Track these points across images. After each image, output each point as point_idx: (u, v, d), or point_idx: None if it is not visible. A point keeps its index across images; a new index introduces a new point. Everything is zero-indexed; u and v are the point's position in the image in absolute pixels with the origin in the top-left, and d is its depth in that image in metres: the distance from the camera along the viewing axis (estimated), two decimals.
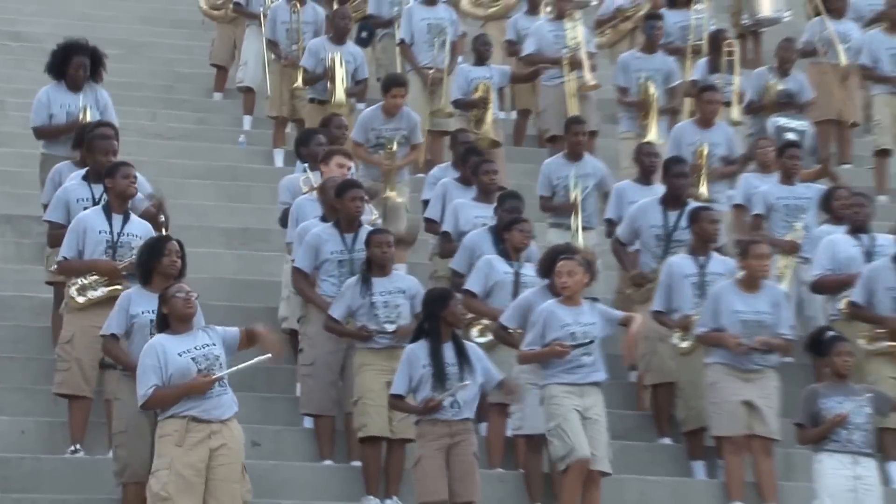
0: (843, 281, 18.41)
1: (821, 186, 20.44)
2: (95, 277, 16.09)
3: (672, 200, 19.15)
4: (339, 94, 23.13)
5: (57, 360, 16.60)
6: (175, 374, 13.64)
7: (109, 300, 15.79)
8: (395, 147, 21.08)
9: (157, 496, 13.64)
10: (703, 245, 17.90)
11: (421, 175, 23.09)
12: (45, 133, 19.94)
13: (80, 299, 15.78)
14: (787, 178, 20.45)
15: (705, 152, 21.84)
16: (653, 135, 22.98)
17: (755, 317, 16.50)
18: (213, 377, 13.60)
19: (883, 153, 24.52)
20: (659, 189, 19.61)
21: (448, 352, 14.48)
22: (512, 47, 26.04)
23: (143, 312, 14.64)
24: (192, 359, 13.69)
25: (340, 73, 23.18)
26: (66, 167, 18.48)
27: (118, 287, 15.86)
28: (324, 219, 17.46)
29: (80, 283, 16.02)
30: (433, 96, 24.33)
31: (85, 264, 15.23)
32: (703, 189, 21.34)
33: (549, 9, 24.98)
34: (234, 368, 13.90)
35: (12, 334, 15.60)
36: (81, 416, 16.41)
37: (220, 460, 13.82)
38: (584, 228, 19.75)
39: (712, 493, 17.24)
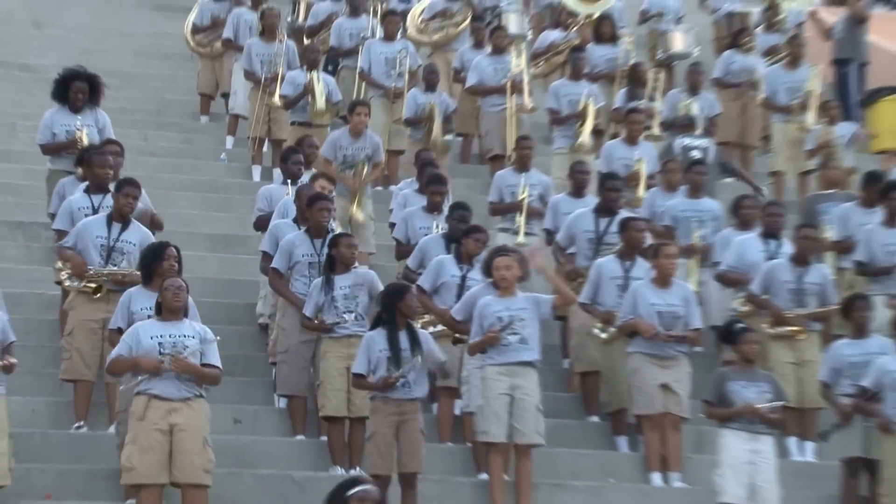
0: (740, 279, 18.73)
1: (716, 202, 20.73)
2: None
3: (604, 210, 19.31)
4: (320, 104, 23.23)
5: (62, 350, 16.76)
6: (142, 353, 13.90)
7: (107, 298, 16.16)
8: (364, 170, 21.27)
9: (124, 466, 14.04)
10: (630, 250, 18.03)
11: (380, 188, 23.36)
12: (49, 149, 19.98)
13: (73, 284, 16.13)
14: (694, 193, 20.75)
15: (643, 165, 22.18)
16: (586, 137, 23.33)
17: (668, 309, 16.79)
18: (159, 361, 13.79)
19: (777, 173, 24.61)
20: (590, 200, 19.79)
21: (403, 338, 14.63)
22: (458, 76, 26.14)
23: (141, 309, 14.79)
24: (159, 343, 13.92)
25: (318, 89, 23.23)
26: (70, 181, 18.67)
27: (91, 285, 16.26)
28: (296, 221, 17.73)
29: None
30: (394, 107, 24.54)
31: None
32: (641, 193, 21.65)
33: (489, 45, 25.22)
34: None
35: (23, 326, 15.56)
36: (85, 397, 16.54)
37: (179, 434, 14.01)
38: (527, 234, 19.96)
39: (633, 465, 17.29)
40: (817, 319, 18.10)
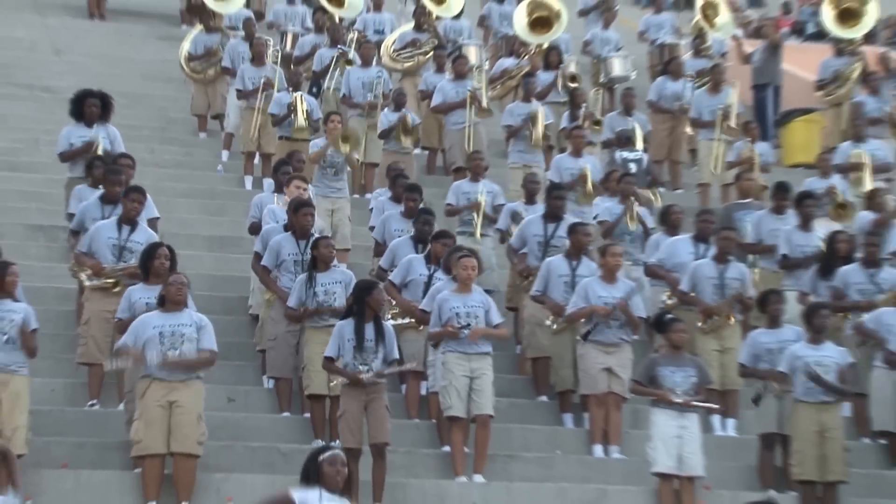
0: (665, 275, 19.17)
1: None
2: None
3: (551, 216, 19.55)
4: (301, 121, 23.14)
5: (79, 337, 17.01)
6: (146, 341, 14.35)
7: (116, 293, 16.44)
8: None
9: (133, 440, 14.58)
10: (577, 252, 18.23)
11: (356, 196, 23.42)
12: (67, 156, 20.13)
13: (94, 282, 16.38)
14: (625, 199, 20.80)
15: (588, 174, 22.22)
16: (538, 135, 23.64)
17: (614, 301, 16.92)
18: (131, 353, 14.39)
19: (703, 184, 24.89)
20: (540, 207, 20.02)
21: (369, 330, 14.89)
22: (424, 96, 26.04)
23: (139, 299, 15.31)
24: (160, 333, 14.37)
25: (301, 108, 23.16)
26: (85, 188, 19.01)
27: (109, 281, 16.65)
28: (286, 227, 17.81)
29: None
30: (370, 119, 24.45)
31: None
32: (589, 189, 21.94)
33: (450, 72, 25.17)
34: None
35: (43, 316, 15.62)
36: (98, 378, 16.74)
37: (177, 411, 14.44)
38: (482, 235, 20.16)
39: (578, 438, 17.52)
40: (740, 302, 18.37)
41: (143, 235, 17.04)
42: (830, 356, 16.38)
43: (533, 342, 18.69)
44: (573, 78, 26.78)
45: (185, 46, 26.29)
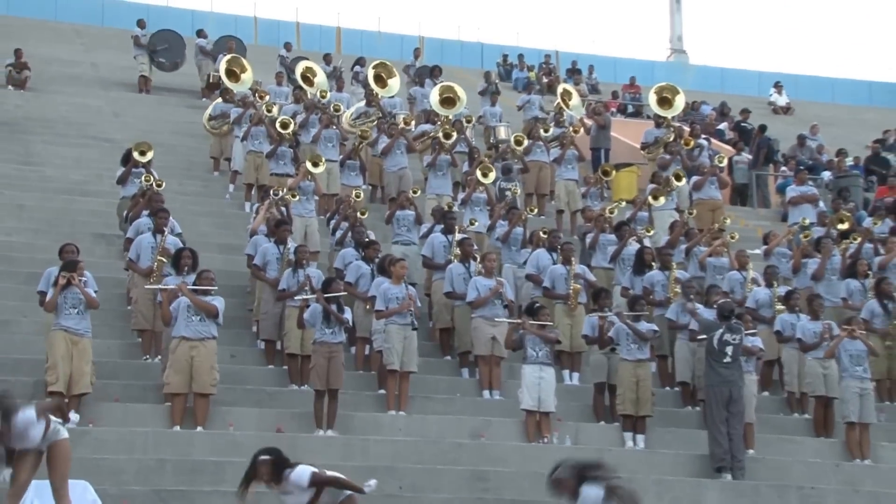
0: (538, 279, 18.70)
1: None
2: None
3: (448, 231, 19.47)
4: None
5: (133, 312, 16.96)
6: (180, 310, 14.81)
7: (153, 281, 16.45)
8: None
9: (165, 382, 14.95)
10: (466, 257, 18.18)
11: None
12: (121, 180, 19.87)
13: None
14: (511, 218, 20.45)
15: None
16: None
17: (492, 287, 17.25)
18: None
19: (560, 211, 24.59)
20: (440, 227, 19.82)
21: (333, 308, 15.13)
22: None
23: (171, 285, 15.32)
24: (188, 306, 14.78)
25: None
26: (125, 201, 19.19)
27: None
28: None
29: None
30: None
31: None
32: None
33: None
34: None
35: (103, 297, 15.50)
36: (147, 340, 16.77)
37: (196, 361, 14.66)
38: (406, 244, 19.88)
39: (472, 386, 17.43)
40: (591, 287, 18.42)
41: (171, 241, 17.04)
42: (648, 327, 16.60)
43: (441, 318, 18.62)
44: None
45: (208, 110, 26.13)
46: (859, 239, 22.19)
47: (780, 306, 18.26)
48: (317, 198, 21.49)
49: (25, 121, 25.68)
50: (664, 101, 28.10)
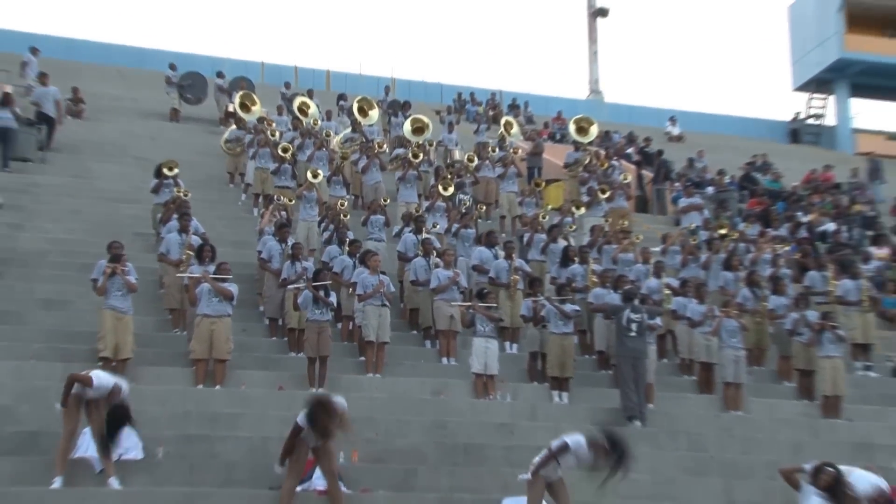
0: (483, 269, 18.66)
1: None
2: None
3: (417, 232, 19.47)
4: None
5: (164, 296, 17.00)
6: (202, 293, 14.93)
7: (181, 271, 16.19)
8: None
9: (191, 350, 14.97)
10: (427, 253, 18.00)
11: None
12: (154, 190, 19.67)
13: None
14: (462, 222, 20.62)
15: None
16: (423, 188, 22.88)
17: (452, 276, 17.11)
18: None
19: (503, 217, 24.53)
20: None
21: (321, 293, 15.14)
22: (353, 167, 25.08)
23: (196, 273, 15.30)
24: (209, 290, 14.88)
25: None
26: (158, 209, 19.05)
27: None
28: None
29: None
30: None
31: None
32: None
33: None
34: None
35: (142, 283, 15.49)
36: (176, 317, 16.78)
37: (215, 334, 14.76)
38: (378, 241, 19.74)
39: (433, 354, 17.45)
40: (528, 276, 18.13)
41: (194, 238, 17.05)
42: (571, 308, 16.50)
43: (411, 300, 18.53)
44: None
45: (225, 135, 25.98)
46: (736, 237, 22.75)
47: (667, 292, 18.36)
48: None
49: (81, 144, 25.55)
50: (581, 130, 28.16)
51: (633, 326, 15.92)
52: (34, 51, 27.98)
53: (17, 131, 23.20)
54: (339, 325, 17.50)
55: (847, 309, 18.96)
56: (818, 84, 46.79)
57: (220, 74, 32.73)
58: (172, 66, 32.40)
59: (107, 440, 11.61)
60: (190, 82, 32.26)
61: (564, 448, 11.18)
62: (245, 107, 27.19)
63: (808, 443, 15.43)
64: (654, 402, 16.29)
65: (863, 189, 31.96)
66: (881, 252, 24.60)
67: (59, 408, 11.84)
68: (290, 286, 16.54)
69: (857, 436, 14.10)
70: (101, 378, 11.69)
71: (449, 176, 24.16)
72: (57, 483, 11.55)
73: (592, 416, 15.55)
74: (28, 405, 13.17)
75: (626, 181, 25.90)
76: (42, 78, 25.43)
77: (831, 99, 47.03)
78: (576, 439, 11.24)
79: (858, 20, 45.94)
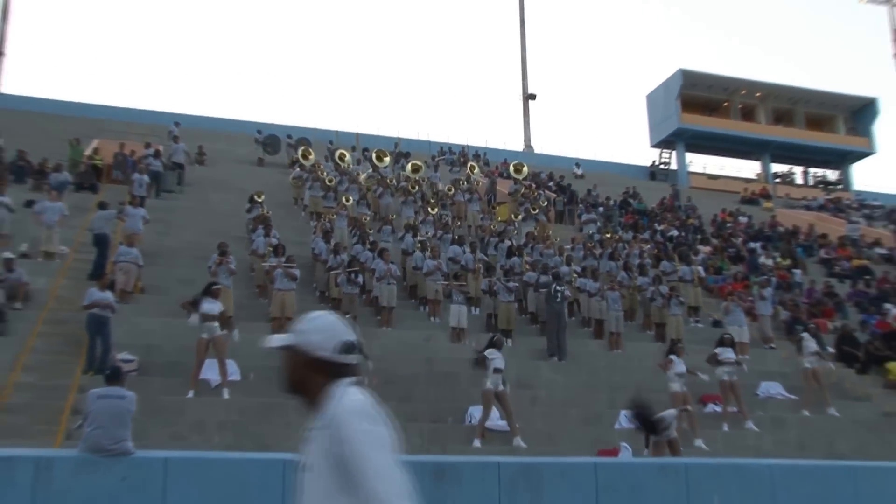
0: (457, 261, 18.22)
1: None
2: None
3: (413, 236, 19.26)
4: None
5: (253, 277, 16.87)
6: (279, 276, 14.66)
7: (266, 263, 15.96)
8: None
9: (270, 313, 14.73)
10: (423, 250, 17.78)
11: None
12: (248, 210, 19.44)
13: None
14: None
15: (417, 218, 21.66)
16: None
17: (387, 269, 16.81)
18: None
19: (469, 226, 24.23)
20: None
21: (352, 276, 14.84)
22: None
23: (273, 263, 15.08)
24: (282, 273, 14.48)
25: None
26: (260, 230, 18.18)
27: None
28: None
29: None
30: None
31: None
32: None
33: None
34: None
35: (239, 269, 15.41)
36: (262, 291, 16.70)
37: (285, 301, 14.65)
38: (387, 242, 19.34)
39: (424, 315, 17.21)
40: (486, 265, 17.83)
41: (273, 240, 16.86)
42: (513, 285, 16.28)
43: (410, 280, 18.40)
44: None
45: (292, 174, 25.87)
46: (617, 239, 22.70)
47: (574, 274, 18.38)
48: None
49: (203, 181, 25.39)
50: (518, 171, 28.33)
51: (557, 296, 15.98)
52: (176, 124, 28.14)
53: (164, 174, 23.33)
54: (364, 297, 17.19)
55: (685, 284, 19.02)
56: (665, 143, 47.63)
57: (289, 136, 32.69)
58: (259, 132, 32.50)
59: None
60: (270, 141, 32.19)
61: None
62: (304, 156, 27.18)
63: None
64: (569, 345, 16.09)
65: (694, 209, 32.05)
66: (706, 248, 24.99)
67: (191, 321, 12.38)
68: (332, 271, 16.46)
69: (690, 362, 14.19)
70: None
71: (433, 200, 24.25)
72: (190, 394, 11.93)
73: (527, 354, 15.63)
74: (171, 344, 13.12)
75: (546, 204, 26.00)
76: (175, 139, 25.63)
77: (674, 153, 47.49)
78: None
79: (689, 105, 47.02)
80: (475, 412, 12.29)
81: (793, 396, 15.43)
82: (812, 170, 50.42)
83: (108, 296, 12.54)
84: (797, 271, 23.84)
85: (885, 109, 49.08)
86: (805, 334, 15.57)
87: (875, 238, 30.68)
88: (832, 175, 49.85)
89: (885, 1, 50.00)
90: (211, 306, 12.22)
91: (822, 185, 48.26)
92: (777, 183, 47.14)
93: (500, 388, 11.89)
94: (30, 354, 12.34)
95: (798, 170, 50.44)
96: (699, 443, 12.54)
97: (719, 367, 13.91)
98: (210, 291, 12.48)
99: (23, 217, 17.24)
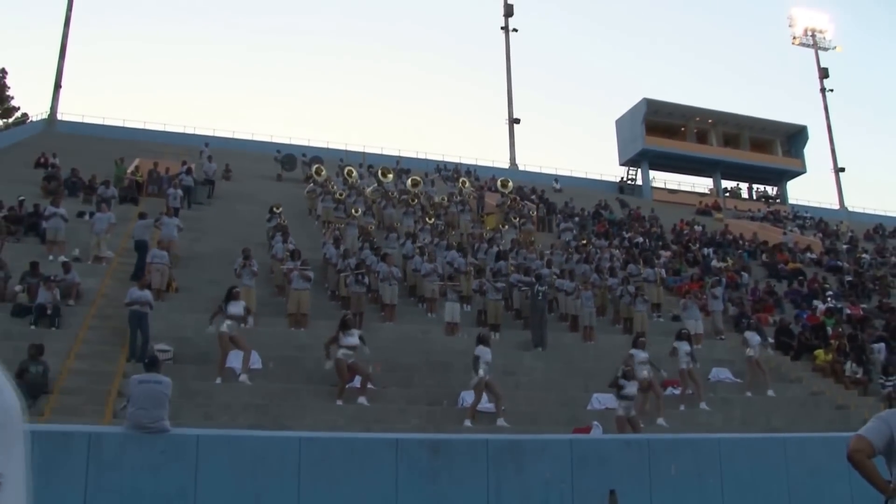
0: (450, 264, 18.14)
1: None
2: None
3: (413, 242, 19.14)
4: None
5: (272, 277, 16.60)
6: (295, 277, 14.45)
7: (284, 266, 15.81)
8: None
9: (287, 309, 14.52)
10: (422, 255, 17.70)
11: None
12: (268, 220, 19.37)
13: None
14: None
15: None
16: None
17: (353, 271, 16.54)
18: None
19: (461, 234, 24.03)
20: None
21: (360, 277, 14.68)
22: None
23: (290, 266, 14.94)
24: (298, 275, 14.26)
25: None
26: (278, 236, 18.28)
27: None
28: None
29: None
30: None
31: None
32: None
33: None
34: None
35: (261, 271, 15.39)
36: (280, 289, 16.42)
37: (300, 299, 14.54)
38: (391, 248, 19.27)
39: (423, 311, 17.11)
40: (477, 267, 17.90)
41: (291, 246, 16.77)
42: (500, 285, 16.20)
43: (411, 280, 18.19)
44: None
45: (307, 188, 25.89)
46: (590, 245, 22.70)
47: (553, 276, 18.34)
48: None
49: (230, 194, 25.39)
50: (505, 185, 28.37)
51: (540, 294, 15.93)
52: (206, 144, 28.24)
53: (195, 188, 23.32)
54: (369, 295, 16.95)
55: (649, 285, 19.04)
56: (632, 162, 47.80)
57: (304, 154, 32.81)
58: (278, 151, 32.79)
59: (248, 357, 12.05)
60: (287, 160, 32.23)
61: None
62: (318, 172, 27.21)
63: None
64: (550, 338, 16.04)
65: (657, 219, 32.08)
66: (666, 253, 24.92)
67: (210, 329, 12.27)
68: (342, 273, 16.38)
69: (654, 351, 14.21)
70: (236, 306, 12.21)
71: (431, 211, 24.24)
72: (218, 381, 11.81)
73: (512, 345, 15.62)
74: (201, 337, 13.05)
75: (531, 213, 26.01)
76: (209, 159, 25.89)
77: (640, 170, 47.58)
78: None
79: (652, 129, 47.15)
80: (467, 397, 12.27)
81: (738, 380, 15.57)
82: (755, 186, 50.99)
83: (147, 294, 12.60)
84: (744, 273, 23.96)
85: (814, 135, 50.14)
86: (749, 328, 15.73)
87: (806, 245, 31.05)
88: (772, 190, 50.68)
89: (812, 45, 53.83)
90: (236, 308, 12.17)
91: (763, 199, 48.84)
92: (727, 197, 47.48)
93: (488, 376, 11.91)
94: (81, 345, 12.38)
95: (744, 186, 51.05)
96: (661, 421, 12.59)
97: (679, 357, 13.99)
98: (232, 294, 12.37)
99: (75, 226, 17.32)
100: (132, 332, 12.26)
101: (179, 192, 21.13)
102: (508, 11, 48.47)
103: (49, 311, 12.95)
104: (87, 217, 17.22)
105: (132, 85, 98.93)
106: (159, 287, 14.81)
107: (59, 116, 38.49)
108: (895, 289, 25.03)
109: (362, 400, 11.83)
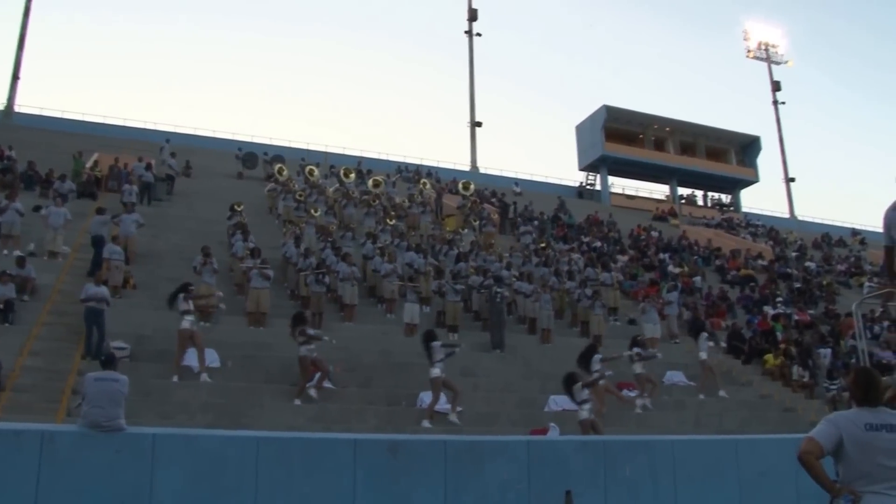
0: (409, 265, 18.15)
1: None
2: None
3: (373, 243, 19.01)
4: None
5: (233, 275, 16.35)
6: (255, 275, 13.95)
7: (244, 264, 15.65)
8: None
9: (246, 307, 14.38)
10: (382, 255, 17.67)
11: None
12: (229, 218, 19.09)
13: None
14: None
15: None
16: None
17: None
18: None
19: (422, 235, 23.62)
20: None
21: (320, 276, 14.50)
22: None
23: (250, 264, 14.74)
24: (257, 273, 13.90)
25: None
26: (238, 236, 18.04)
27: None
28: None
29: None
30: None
31: None
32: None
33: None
34: None
35: (221, 269, 15.21)
36: (240, 288, 16.17)
37: (260, 297, 14.47)
38: (350, 248, 19.18)
39: (382, 312, 17.02)
40: (436, 268, 17.94)
41: (250, 244, 16.55)
42: (459, 287, 16.22)
43: (370, 281, 18.12)
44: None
45: (267, 187, 25.53)
46: (549, 248, 22.87)
47: (512, 278, 18.41)
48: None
49: (189, 192, 24.94)
50: (465, 187, 28.49)
51: (497, 297, 16.02)
52: (167, 140, 27.75)
53: (154, 184, 22.93)
54: (329, 295, 16.83)
55: (606, 288, 19.26)
56: (591, 167, 48.34)
57: (265, 153, 32.40)
58: (239, 149, 32.12)
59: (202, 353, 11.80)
60: (248, 158, 31.74)
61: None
62: (279, 171, 26.95)
63: None
64: (507, 341, 16.05)
65: (615, 224, 32.37)
66: (624, 257, 25.23)
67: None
68: (302, 272, 16.22)
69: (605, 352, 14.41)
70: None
71: (392, 212, 24.18)
72: (175, 378, 11.62)
73: (471, 346, 15.66)
74: (159, 334, 12.88)
75: (491, 216, 26.11)
76: (172, 154, 25.56)
77: (598, 175, 48.12)
78: None
79: (611, 135, 47.70)
80: (426, 397, 12.29)
81: (692, 383, 15.85)
82: (710, 193, 51.90)
83: (104, 291, 12.34)
84: (698, 278, 24.36)
85: (766, 146, 51.68)
86: (703, 332, 15.98)
87: (758, 252, 31.55)
88: (726, 198, 51.56)
89: (766, 59, 54.84)
90: (185, 304, 12.04)
91: (717, 207, 49.69)
92: (682, 204, 48.29)
93: (444, 375, 11.90)
94: (35, 341, 12.06)
95: (699, 193, 51.94)
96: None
97: (635, 363, 14.22)
98: (185, 289, 12.22)
99: (31, 220, 16.91)
100: (88, 328, 11.99)
101: (135, 188, 20.73)
102: (472, 16, 48.47)
103: (2, 307, 12.62)
104: (42, 211, 16.78)
105: (93, 79, 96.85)
106: (116, 284, 14.51)
107: (16, 108, 37.49)
108: (840, 296, 25.70)
109: (312, 392, 11.82)
